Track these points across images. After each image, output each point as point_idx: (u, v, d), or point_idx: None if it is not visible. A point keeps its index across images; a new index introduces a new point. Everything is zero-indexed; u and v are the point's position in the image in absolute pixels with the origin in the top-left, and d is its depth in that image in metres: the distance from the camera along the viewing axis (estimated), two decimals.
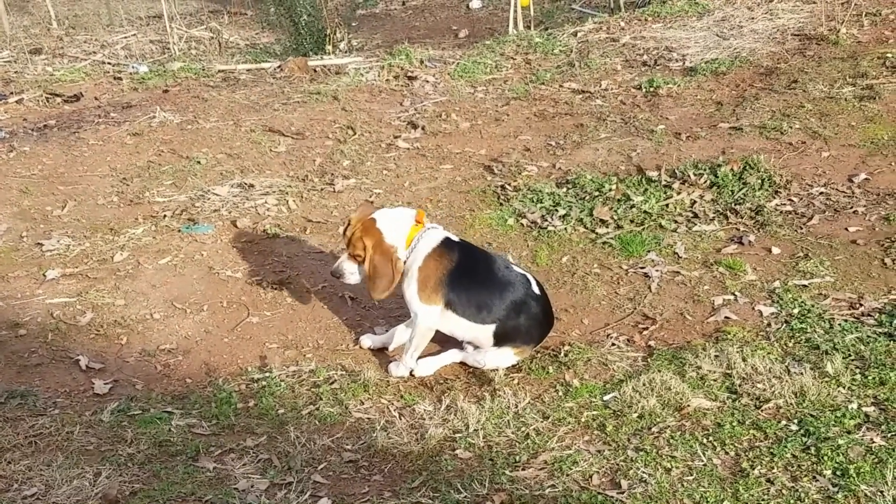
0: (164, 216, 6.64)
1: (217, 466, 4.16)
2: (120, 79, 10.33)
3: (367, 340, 5.31)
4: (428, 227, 4.98)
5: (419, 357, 5.04)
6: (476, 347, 5.06)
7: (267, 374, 5.01)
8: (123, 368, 5.08)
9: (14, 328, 5.33)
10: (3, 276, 5.89)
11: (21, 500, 3.82)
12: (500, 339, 4.95)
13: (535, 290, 5.02)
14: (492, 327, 4.92)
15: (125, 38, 13.12)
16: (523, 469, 4.10)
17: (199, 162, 7.61)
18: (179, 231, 6.43)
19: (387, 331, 5.35)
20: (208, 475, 4.09)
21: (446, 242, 4.95)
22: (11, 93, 9.83)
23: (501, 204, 6.71)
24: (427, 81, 9.36)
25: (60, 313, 5.50)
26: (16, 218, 6.70)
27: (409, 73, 9.59)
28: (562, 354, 5.05)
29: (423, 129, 8.12)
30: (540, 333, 5.06)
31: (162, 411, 4.62)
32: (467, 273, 4.93)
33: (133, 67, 10.78)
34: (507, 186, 6.91)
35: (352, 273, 5.04)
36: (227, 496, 3.89)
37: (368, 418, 4.61)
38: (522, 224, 6.41)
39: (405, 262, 4.94)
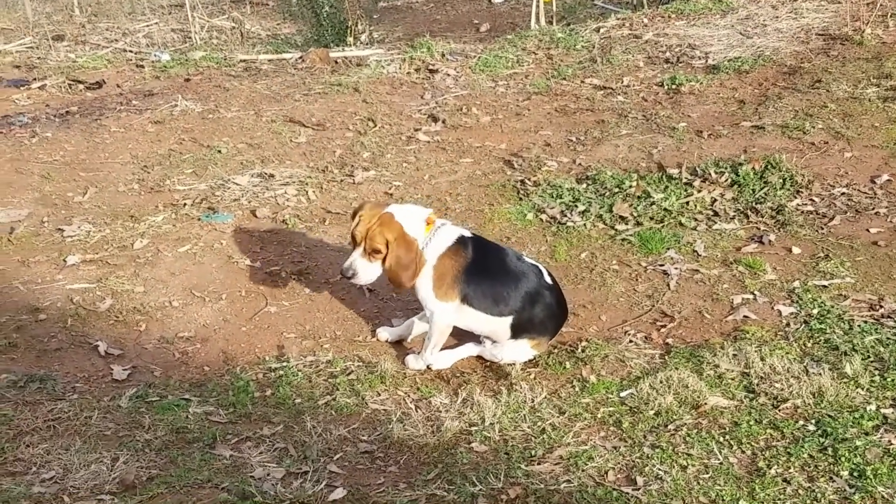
0: (185, 204, 6.66)
1: (233, 454, 4.18)
2: (142, 67, 10.37)
3: (384, 333, 5.32)
4: (440, 224, 4.95)
5: None
6: (493, 342, 5.05)
7: (284, 364, 5.02)
8: (142, 355, 5.11)
9: (34, 313, 5.36)
10: (24, 260, 5.92)
11: (39, 484, 3.84)
12: (517, 331, 4.94)
13: (548, 280, 5.01)
14: (509, 319, 4.92)
15: (147, 26, 13.16)
16: (539, 463, 4.10)
17: (219, 151, 7.63)
18: (199, 219, 6.45)
19: (404, 322, 5.35)
20: (225, 462, 4.10)
21: (460, 240, 4.92)
22: (34, 79, 9.88)
23: (521, 199, 6.71)
24: (448, 75, 9.35)
25: (80, 299, 5.53)
26: (37, 203, 6.73)
27: (431, 66, 9.59)
28: (579, 350, 5.05)
29: (443, 122, 8.12)
30: (555, 324, 5.06)
31: (180, 398, 4.65)
32: (482, 267, 4.91)
33: (155, 56, 10.81)
34: (527, 181, 6.90)
35: (365, 271, 4.89)
36: (243, 484, 3.90)
37: (385, 410, 4.61)
38: (542, 219, 6.41)
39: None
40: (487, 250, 5.00)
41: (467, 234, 4.99)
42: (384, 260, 4.83)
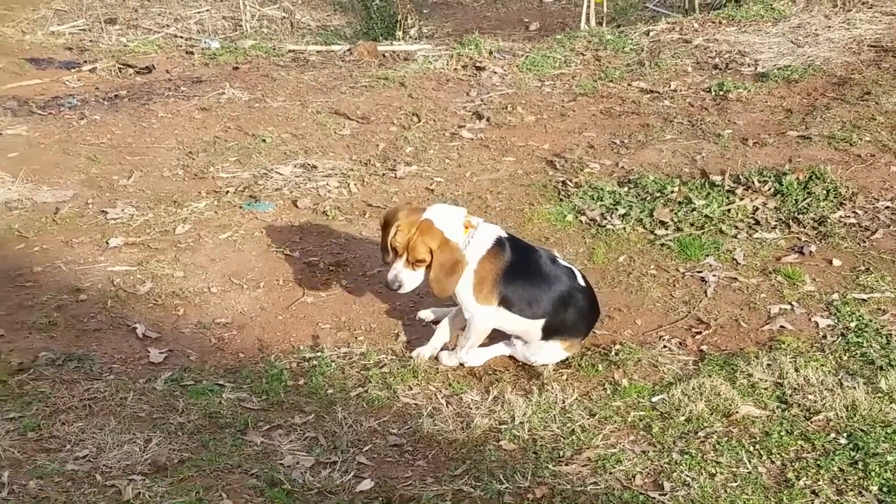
0: (227, 192, 6.73)
1: (264, 441, 4.23)
2: (192, 53, 10.46)
3: (428, 313, 5.35)
4: (476, 224, 4.90)
5: None
6: (525, 342, 5.04)
7: (318, 354, 5.06)
8: (179, 339, 5.17)
9: (75, 293, 5.44)
10: (67, 241, 6.01)
11: (73, 461, 3.91)
12: (549, 333, 4.93)
13: (581, 282, 5.00)
14: (541, 322, 4.90)
15: (198, 12, 13.24)
16: (567, 464, 4.11)
17: (264, 140, 7.69)
18: (241, 207, 6.51)
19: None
20: (255, 449, 4.15)
21: (499, 242, 4.87)
22: (85, 61, 10.00)
23: (561, 199, 6.69)
24: (495, 73, 9.35)
25: (121, 281, 5.60)
26: (83, 185, 6.82)
27: (478, 64, 9.58)
28: (612, 353, 5.04)
29: (487, 120, 8.12)
30: (587, 326, 5.05)
31: (214, 384, 4.70)
32: (518, 269, 4.89)
33: (205, 43, 10.90)
34: (569, 182, 6.89)
35: (410, 280, 4.83)
36: (272, 471, 3.95)
37: (416, 404, 4.64)
38: (581, 221, 6.39)
39: None
40: (524, 252, 4.97)
41: (504, 234, 4.96)
42: (428, 265, 4.80)
